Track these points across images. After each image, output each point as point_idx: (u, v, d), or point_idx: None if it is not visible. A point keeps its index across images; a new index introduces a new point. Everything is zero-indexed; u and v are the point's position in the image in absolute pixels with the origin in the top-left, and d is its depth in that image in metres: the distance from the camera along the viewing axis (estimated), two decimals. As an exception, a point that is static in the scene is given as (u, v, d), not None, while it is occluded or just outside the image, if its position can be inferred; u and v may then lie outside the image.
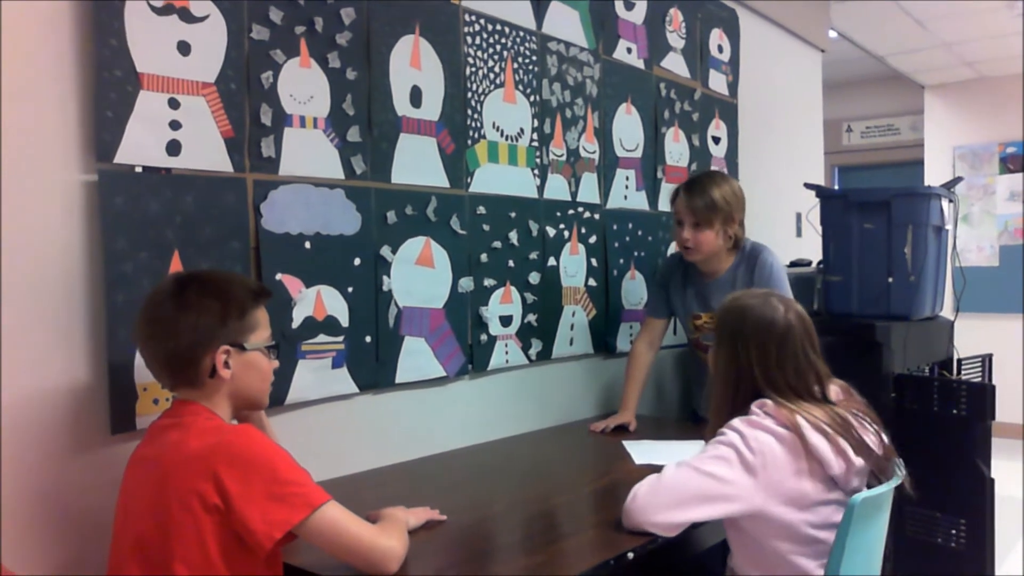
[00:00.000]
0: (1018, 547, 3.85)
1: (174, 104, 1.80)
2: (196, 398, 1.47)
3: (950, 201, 3.44)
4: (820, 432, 1.61)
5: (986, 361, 3.47)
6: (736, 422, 1.65)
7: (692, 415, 3.01)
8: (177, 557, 1.33)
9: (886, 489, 1.67)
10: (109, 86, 1.69)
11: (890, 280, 3.27)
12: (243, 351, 1.48)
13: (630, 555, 1.56)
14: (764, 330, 1.72)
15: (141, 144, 1.74)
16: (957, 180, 3.58)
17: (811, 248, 3.88)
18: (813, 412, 1.65)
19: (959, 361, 3.49)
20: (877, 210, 3.26)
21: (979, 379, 3.38)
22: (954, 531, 2.85)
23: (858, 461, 1.64)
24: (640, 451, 2.34)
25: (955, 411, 2.86)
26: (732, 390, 1.74)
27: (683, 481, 1.61)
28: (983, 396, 2.82)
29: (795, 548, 1.63)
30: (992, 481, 2.78)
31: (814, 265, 3.69)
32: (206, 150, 1.86)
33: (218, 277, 1.57)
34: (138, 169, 1.75)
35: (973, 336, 4.49)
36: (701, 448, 1.69)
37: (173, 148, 1.80)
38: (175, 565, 1.33)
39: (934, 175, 6.53)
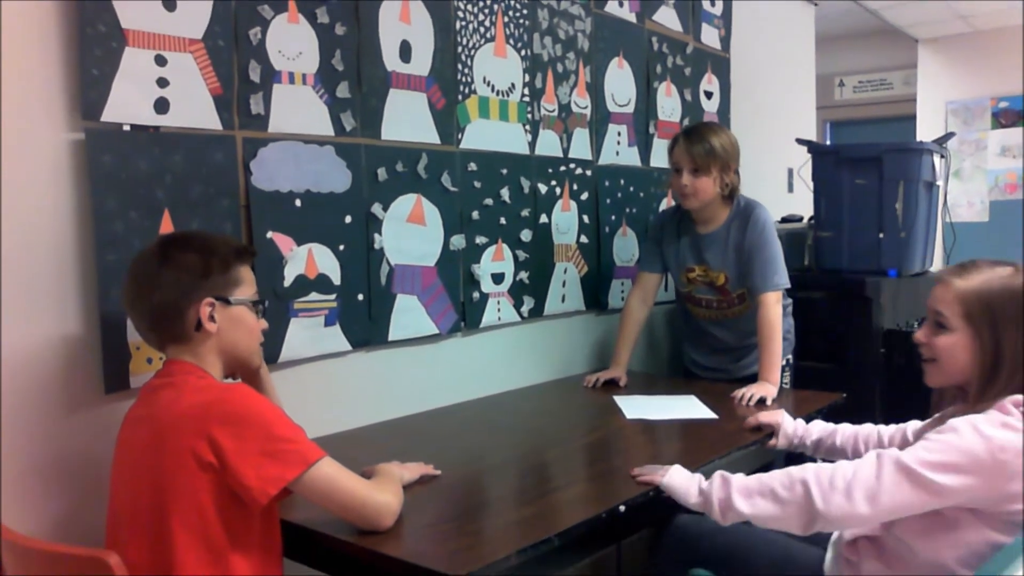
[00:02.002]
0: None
1: (161, 61, 1.78)
2: (186, 356, 1.47)
3: (941, 157, 3.44)
4: None
5: (974, 316, 3.50)
6: (983, 423, 1.40)
7: (684, 371, 3.04)
8: (173, 515, 1.34)
9: None
10: (93, 42, 1.66)
11: (881, 236, 3.28)
12: (228, 305, 1.48)
13: (621, 508, 1.58)
14: None
15: (128, 102, 1.72)
16: (949, 136, 3.58)
17: (802, 204, 3.88)
18: None
19: (948, 316, 3.52)
20: (868, 166, 3.27)
21: (967, 333, 3.41)
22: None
23: None
24: (631, 406, 2.37)
25: (943, 365, 2.89)
26: (984, 383, 1.49)
27: (910, 495, 1.39)
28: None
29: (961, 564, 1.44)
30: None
31: (805, 221, 3.70)
32: (194, 108, 1.84)
33: (201, 235, 1.59)
34: (126, 127, 1.73)
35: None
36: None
37: (161, 106, 1.78)
38: (172, 523, 1.34)
39: (926, 130, 6.51)
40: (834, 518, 1.44)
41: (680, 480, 1.62)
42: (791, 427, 2.00)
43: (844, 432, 1.91)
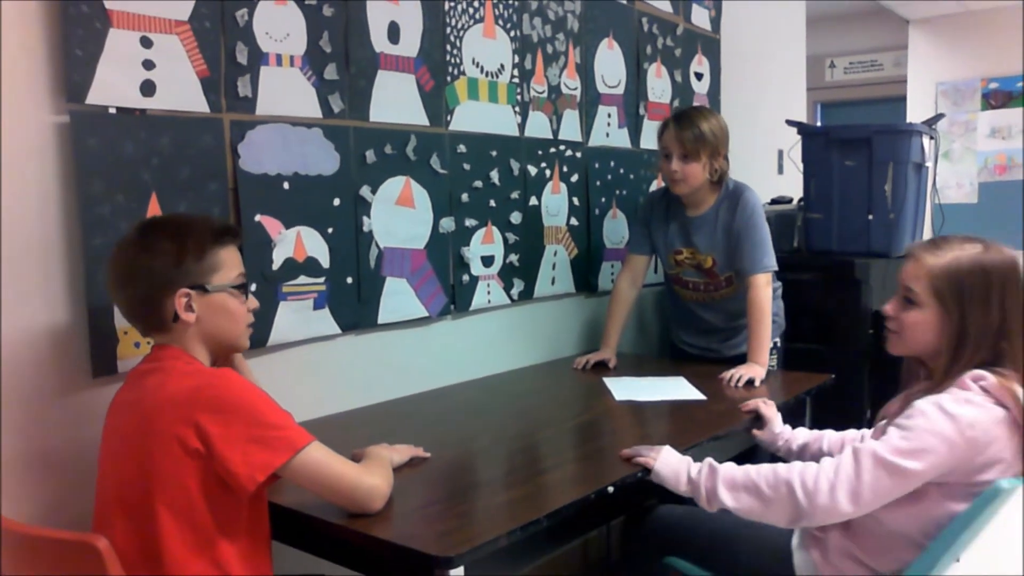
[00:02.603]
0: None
1: (146, 43, 1.76)
2: (172, 343, 1.46)
3: (931, 138, 3.44)
4: None
5: (962, 297, 3.51)
6: (948, 403, 1.44)
7: (671, 351, 3.05)
8: (160, 500, 1.33)
9: None
10: (77, 23, 1.65)
11: (870, 217, 3.29)
12: (206, 293, 1.45)
13: (610, 489, 1.59)
14: (1006, 282, 1.49)
15: (113, 84, 1.71)
16: (939, 117, 3.58)
17: (792, 185, 3.88)
18: None
19: (936, 297, 3.53)
20: (858, 147, 3.27)
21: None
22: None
23: None
24: (621, 388, 2.38)
25: (930, 346, 2.91)
26: (950, 359, 1.52)
27: (888, 485, 1.43)
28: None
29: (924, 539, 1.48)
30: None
31: (795, 202, 3.70)
32: (181, 90, 1.83)
33: (179, 220, 1.55)
34: (111, 110, 1.72)
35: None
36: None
37: (147, 88, 1.77)
38: (158, 508, 1.33)
39: (917, 111, 6.51)
40: (819, 519, 1.47)
41: (670, 468, 1.63)
42: (779, 426, 2.01)
43: (831, 438, 1.91)
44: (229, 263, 1.49)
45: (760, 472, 1.50)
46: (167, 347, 1.45)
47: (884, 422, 1.62)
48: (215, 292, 1.46)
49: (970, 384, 1.47)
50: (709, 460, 1.60)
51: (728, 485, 1.53)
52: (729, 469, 1.56)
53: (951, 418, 1.43)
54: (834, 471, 1.46)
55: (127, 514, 1.37)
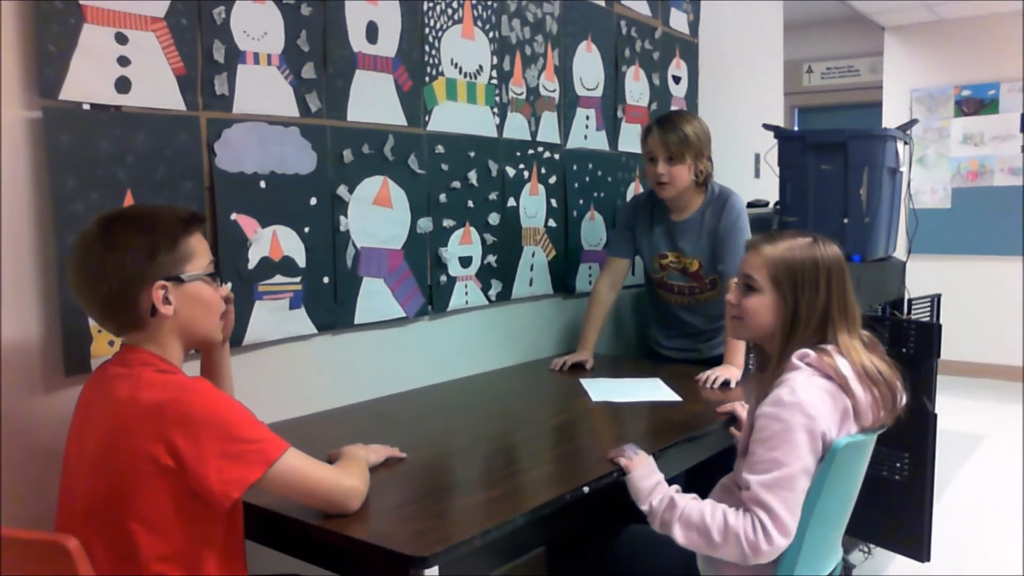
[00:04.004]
0: (956, 480, 4.01)
1: (121, 39, 1.75)
2: (143, 341, 1.42)
3: (905, 143, 3.48)
4: (864, 383, 1.61)
5: (934, 301, 3.56)
6: (785, 395, 1.57)
7: (649, 355, 3.06)
8: (132, 517, 1.31)
9: (871, 437, 1.68)
10: (49, 18, 1.63)
11: (845, 221, 3.32)
12: (181, 283, 1.41)
13: (585, 489, 1.60)
14: (831, 271, 1.67)
15: (87, 80, 1.69)
16: (912, 123, 3.62)
17: (769, 189, 3.91)
18: (862, 355, 1.64)
19: (910, 301, 3.58)
20: (834, 151, 3.30)
21: (927, 318, 3.47)
22: (898, 464, 2.95)
23: (882, 414, 1.64)
24: (597, 389, 2.38)
25: (904, 349, 2.93)
26: (784, 338, 1.68)
27: (792, 496, 1.53)
28: (930, 335, 2.89)
29: None
30: (935, 417, 2.87)
31: (771, 206, 3.73)
32: (157, 87, 1.82)
33: (143, 211, 1.51)
34: (85, 106, 1.70)
35: (924, 276, 4.60)
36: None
37: (122, 85, 1.76)
38: (129, 522, 1.31)
39: (892, 117, 6.58)
40: (767, 560, 1.54)
41: (642, 485, 1.65)
42: None
43: None
44: (200, 251, 1.46)
45: (714, 517, 1.56)
46: (137, 350, 1.41)
47: (747, 428, 1.72)
48: (190, 281, 1.43)
49: (796, 363, 1.62)
50: (672, 492, 1.64)
51: (683, 524, 1.58)
52: (687, 507, 1.60)
53: (792, 407, 1.55)
54: (759, 521, 1.52)
55: (97, 528, 1.33)
